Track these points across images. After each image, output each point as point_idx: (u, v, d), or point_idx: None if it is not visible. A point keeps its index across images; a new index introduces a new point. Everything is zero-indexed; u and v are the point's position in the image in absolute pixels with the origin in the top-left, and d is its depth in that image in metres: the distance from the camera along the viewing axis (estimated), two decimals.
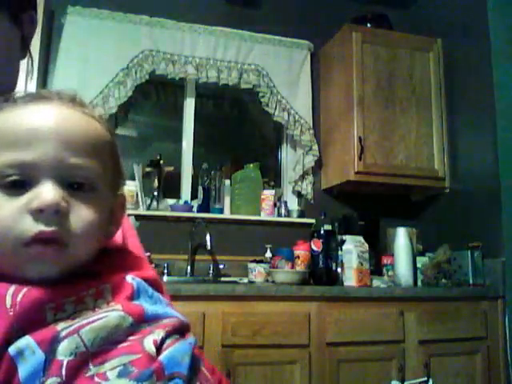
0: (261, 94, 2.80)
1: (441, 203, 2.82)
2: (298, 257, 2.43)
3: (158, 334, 0.45)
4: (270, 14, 2.97)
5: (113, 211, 0.54)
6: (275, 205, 2.79)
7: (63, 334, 0.42)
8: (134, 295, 0.48)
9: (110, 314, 0.45)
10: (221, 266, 2.61)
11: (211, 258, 2.62)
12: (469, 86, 2.64)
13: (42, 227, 0.45)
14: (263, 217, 2.74)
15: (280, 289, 2.06)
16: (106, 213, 0.51)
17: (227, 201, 2.77)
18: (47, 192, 0.45)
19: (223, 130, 3.18)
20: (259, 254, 2.56)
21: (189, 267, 2.56)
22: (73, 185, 0.48)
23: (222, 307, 1.96)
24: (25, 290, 0.44)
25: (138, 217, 2.36)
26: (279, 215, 2.78)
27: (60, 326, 0.43)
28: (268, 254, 2.57)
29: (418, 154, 2.68)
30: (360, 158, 2.55)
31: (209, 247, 2.45)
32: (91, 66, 2.52)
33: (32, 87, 2.22)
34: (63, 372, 0.41)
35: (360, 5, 3.06)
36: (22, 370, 0.41)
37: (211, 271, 2.57)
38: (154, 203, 2.60)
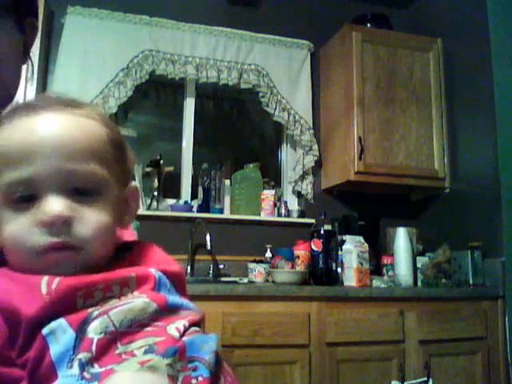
0: (261, 94, 2.80)
1: (441, 203, 2.82)
2: (298, 257, 2.42)
3: (180, 323, 0.48)
4: (270, 13, 2.97)
5: (126, 202, 0.58)
6: (275, 205, 2.79)
7: (94, 315, 0.45)
8: (156, 286, 0.51)
9: (136, 300, 0.48)
10: (221, 266, 2.61)
11: (211, 258, 2.62)
12: (469, 86, 2.64)
13: (52, 239, 0.48)
14: (263, 217, 2.74)
15: (280, 289, 2.06)
16: (115, 210, 0.54)
17: (227, 201, 2.77)
18: (52, 205, 0.48)
19: (223, 130, 3.18)
20: (259, 254, 2.56)
21: (189, 267, 2.56)
22: (76, 190, 0.50)
23: (222, 307, 1.96)
24: (58, 279, 0.47)
25: (138, 217, 2.36)
26: (279, 215, 2.78)
27: (90, 309, 0.46)
28: (268, 254, 2.57)
29: (418, 154, 2.68)
30: (360, 158, 2.55)
31: (209, 247, 2.45)
32: (91, 66, 2.52)
33: (32, 88, 2.22)
34: (93, 348, 0.44)
35: (360, 5, 3.06)
36: (54, 349, 0.44)
37: (211, 271, 2.57)
38: (154, 203, 2.61)
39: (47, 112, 0.51)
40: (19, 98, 0.61)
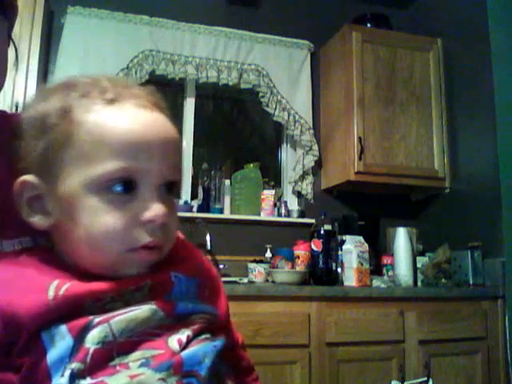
0: (261, 94, 2.80)
1: (441, 203, 2.81)
2: (298, 257, 2.42)
3: (183, 333, 0.48)
4: (270, 14, 2.97)
5: None
6: (275, 205, 2.79)
7: (95, 322, 0.45)
8: (171, 292, 0.51)
9: (143, 307, 0.47)
10: (221, 266, 2.61)
11: (211, 258, 2.61)
12: (469, 86, 2.64)
13: (151, 238, 0.49)
14: (263, 217, 2.74)
15: (280, 289, 2.06)
16: None
17: (227, 201, 2.77)
18: (156, 206, 0.49)
19: (223, 130, 3.18)
20: (259, 253, 2.56)
21: None
22: (167, 185, 0.52)
23: None
24: (68, 285, 0.46)
25: None
26: (279, 215, 2.78)
27: (93, 316, 0.46)
28: (268, 254, 2.57)
29: (418, 154, 2.68)
30: (360, 158, 2.55)
31: (209, 247, 2.45)
32: (91, 66, 2.51)
33: (32, 88, 2.22)
34: (88, 359, 0.43)
35: (360, 5, 3.06)
36: (51, 354, 0.44)
37: None
38: None
39: (147, 108, 0.54)
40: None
